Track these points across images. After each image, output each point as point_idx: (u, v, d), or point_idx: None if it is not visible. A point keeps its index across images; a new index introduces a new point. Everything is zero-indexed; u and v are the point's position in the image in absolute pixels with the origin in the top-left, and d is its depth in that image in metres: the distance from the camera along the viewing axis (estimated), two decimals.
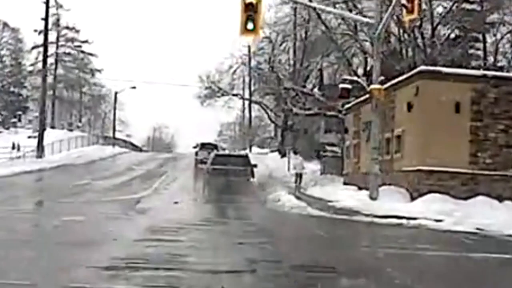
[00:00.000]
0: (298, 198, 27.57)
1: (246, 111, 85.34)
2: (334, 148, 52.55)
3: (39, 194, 31.50)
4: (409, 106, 27.76)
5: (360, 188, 33.39)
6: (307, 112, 50.64)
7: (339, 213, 24.38)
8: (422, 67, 28.80)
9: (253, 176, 32.99)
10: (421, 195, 26.29)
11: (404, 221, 22.38)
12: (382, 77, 26.92)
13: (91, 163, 56.69)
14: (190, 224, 18.84)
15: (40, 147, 53.82)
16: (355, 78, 30.17)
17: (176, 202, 27.60)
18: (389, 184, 28.21)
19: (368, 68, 49.39)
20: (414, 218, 22.63)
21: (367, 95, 32.39)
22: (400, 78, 29.51)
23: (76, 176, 41.62)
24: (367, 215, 23.71)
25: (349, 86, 29.15)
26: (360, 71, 50.35)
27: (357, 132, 36.33)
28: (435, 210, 23.98)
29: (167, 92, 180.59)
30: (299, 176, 40.19)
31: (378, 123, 27.41)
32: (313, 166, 49.47)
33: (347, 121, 39.69)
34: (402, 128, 28.93)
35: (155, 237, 15.15)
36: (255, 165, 34.15)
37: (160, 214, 22.78)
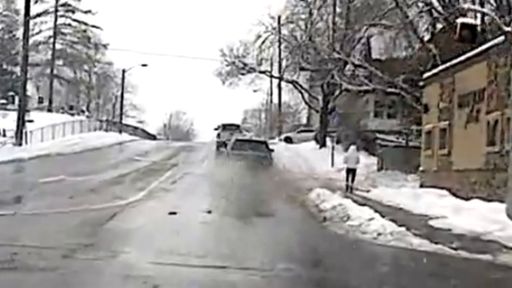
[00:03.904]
0: (383, 216, 16.01)
1: (274, 93, 74.75)
2: (389, 137, 41.45)
3: None
4: None
5: (455, 195, 22.32)
6: (360, 88, 39.35)
7: (467, 247, 13.23)
8: None
9: (271, 161, 33.82)
10: None
11: None
12: None
13: (87, 152, 46.24)
14: None
15: (19, 133, 43.18)
16: (484, 10, 18.88)
17: (172, 213, 16.98)
18: None
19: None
20: None
21: (473, 52, 21.39)
22: None
23: (54, 169, 30.91)
24: None
25: (474, 22, 17.72)
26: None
27: (448, 110, 25.01)
28: None
29: (185, 74, 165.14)
30: (351, 172, 29.22)
31: None
32: (363, 159, 38.18)
33: (427, 96, 28.31)
34: None
35: None
36: (272, 150, 35.52)
37: (138, 248, 11.94)
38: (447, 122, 25.07)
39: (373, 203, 21.47)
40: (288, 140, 58.16)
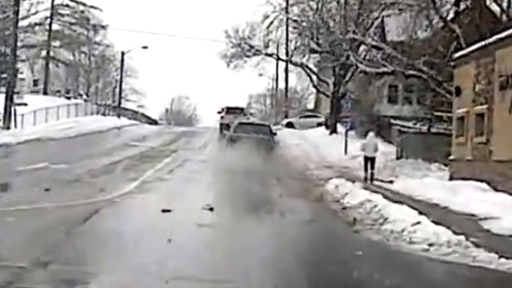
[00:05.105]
0: (435, 220, 12.49)
1: (280, 78, 71.46)
2: (405, 123, 38.22)
3: None
4: None
5: (495, 189, 19.23)
6: (378, 70, 36.02)
7: None
8: None
9: (274, 144, 33.66)
10: None
11: None
12: None
13: (81, 136, 43.07)
14: None
15: (7, 116, 40.12)
16: None
17: (166, 211, 13.82)
18: None
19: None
20: None
21: None
22: None
23: (41, 156, 28.18)
24: None
25: None
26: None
27: (486, 93, 21.71)
28: None
29: (188, 57, 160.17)
30: (370, 161, 26.11)
31: None
32: (380, 147, 34.82)
33: (458, 78, 25.02)
34: None
35: None
36: (275, 133, 35.32)
37: (111, 269, 8.87)
38: (485, 106, 21.77)
39: (401, 198, 18.27)
40: (290, 125, 55.08)
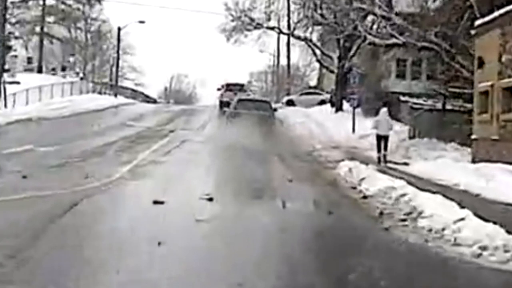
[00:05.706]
0: (478, 214, 10.35)
1: (281, 54, 69.37)
2: (414, 100, 36.20)
3: None
4: None
5: None
6: (388, 42, 33.94)
7: None
8: None
9: (274, 120, 33.45)
10: None
11: None
12: None
13: (75, 116, 41.18)
14: None
15: None
16: None
17: (158, 202, 11.85)
18: None
19: None
20: None
21: None
22: None
23: (30, 137, 26.63)
24: None
25: None
26: None
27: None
28: None
29: (186, 33, 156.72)
30: (383, 140, 24.21)
31: None
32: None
33: (480, 48, 22.96)
34: None
35: None
36: (275, 109, 36.43)
37: None
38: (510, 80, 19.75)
39: (423, 183, 16.29)
40: (290, 103, 52.98)
